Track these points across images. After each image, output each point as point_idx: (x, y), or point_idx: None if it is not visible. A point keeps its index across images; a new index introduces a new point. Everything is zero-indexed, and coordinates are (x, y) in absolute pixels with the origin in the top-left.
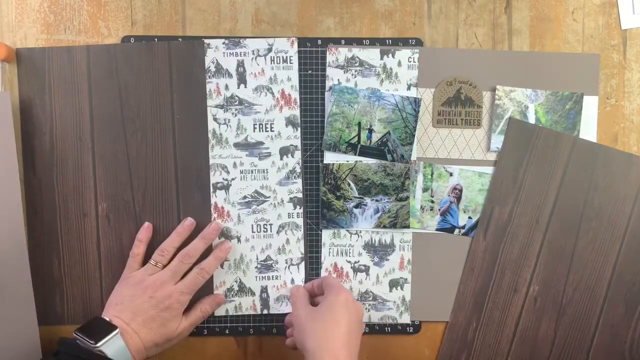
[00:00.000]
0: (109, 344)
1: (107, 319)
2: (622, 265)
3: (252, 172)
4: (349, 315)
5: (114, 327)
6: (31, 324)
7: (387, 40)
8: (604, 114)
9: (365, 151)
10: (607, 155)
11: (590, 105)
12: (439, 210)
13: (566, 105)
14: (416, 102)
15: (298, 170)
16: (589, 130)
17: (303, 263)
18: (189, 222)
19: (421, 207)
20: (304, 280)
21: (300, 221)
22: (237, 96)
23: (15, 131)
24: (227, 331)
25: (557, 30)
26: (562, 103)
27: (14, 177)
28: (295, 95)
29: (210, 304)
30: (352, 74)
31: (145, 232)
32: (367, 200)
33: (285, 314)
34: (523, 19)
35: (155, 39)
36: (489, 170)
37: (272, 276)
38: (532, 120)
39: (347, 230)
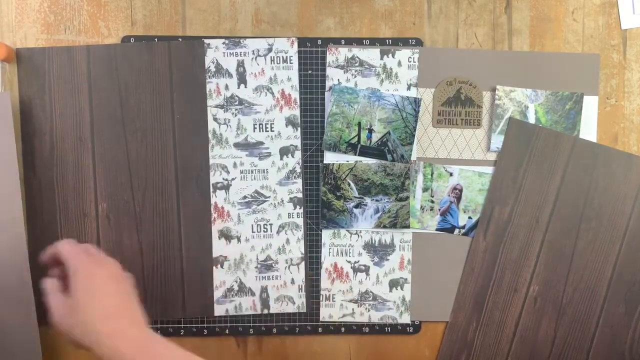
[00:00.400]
0: None
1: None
2: (622, 265)
3: (252, 172)
4: (102, 284)
5: None
6: (31, 324)
7: (387, 40)
8: (604, 114)
9: (365, 151)
10: (607, 155)
11: (590, 105)
12: (439, 210)
13: (566, 105)
14: (416, 102)
15: (298, 170)
16: (589, 130)
17: (303, 263)
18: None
19: (421, 207)
20: (304, 280)
21: (300, 221)
22: (237, 96)
23: (15, 131)
24: (227, 331)
25: (557, 30)
26: (562, 103)
27: (15, 177)
28: (295, 95)
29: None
30: (352, 74)
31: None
32: (367, 200)
33: (286, 314)
34: (523, 19)
35: (155, 39)
36: (489, 170)
37: (272, 276)
38: (532, 120)
39: (347, 230)
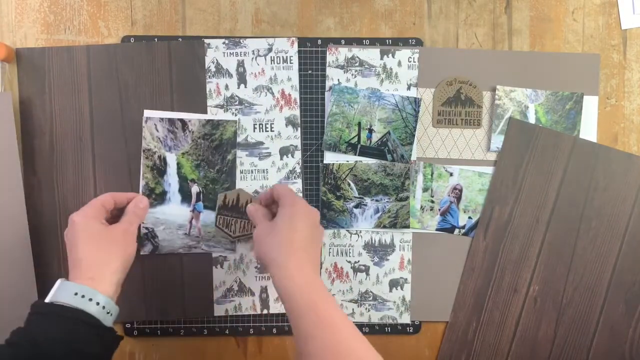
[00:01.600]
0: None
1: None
2: (622, 265)
3: (252, 172)
4: (305, 221)
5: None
6: None
7: (387, 40)
8: (604, 114)
9: (365, 151)
10: (607, 155)
11: (590, 105)
12: (439, 210)
13: (566, 105)
14: (416, 102)
15: (298, 170)
16: (589, 130)
17: None
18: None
19: (421, 207)
20: None
21: None
22: (237, 96)
23: (15, 131)
24: (227, 331)
25: (557, 30)
26: (562, 103)
27: (17, 177)
28: (295, 95)
29: (135, 204)
30: (352, 74)
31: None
32: (367, 200)
33: (286, 314)
34: (523, 19)
35: (155, 39)
36: (489, 170)
37: None
38: (532, 120)
39: (347, 230)
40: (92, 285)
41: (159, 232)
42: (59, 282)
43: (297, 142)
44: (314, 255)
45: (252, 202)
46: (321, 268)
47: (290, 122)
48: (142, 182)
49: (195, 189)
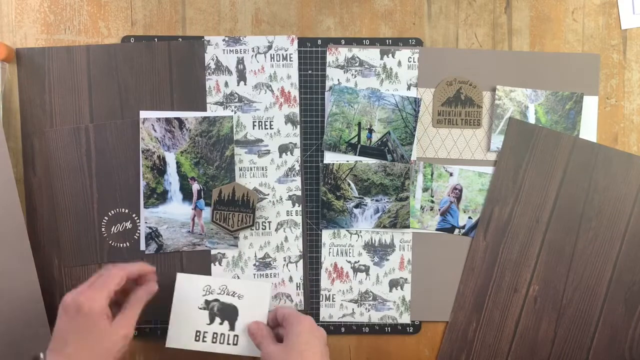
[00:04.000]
0: None
1: None
2: (622, 265)
3: (251, 169)
4: (316, 341)
5: None
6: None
7: (387, 40)
8: (604, 114)
9: (365, 151)
10: (607, 155)
11: (590, 105)
12: (439, 210)
13: (566, 105)
14: (416, 102)
15: (297, 167)
16: (589, 130)
17: (301, 261)
18: (149, 269)
19: (421, 207)
20: (302, 277)
21: (299, 219)
22: (236, 93)
23: (15, 131)
24: None
25: (557, 30)
26: (562, 103)
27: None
28: (295, 92)
29: (144, 289)
30: (352, 74)
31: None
32: (367, 200)
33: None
34: (523, 19)
35: (155, 39)
36: (489, 170)
37: (271, 274)
38: (532, 120)
39: (347, 230)
40: None
41: (162, 231)
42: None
43: (297, 140)
44: None
45: (255, 322)
46: (321, 268)
47: (289, 119)
48: (142, 183)
49: (196, 186)
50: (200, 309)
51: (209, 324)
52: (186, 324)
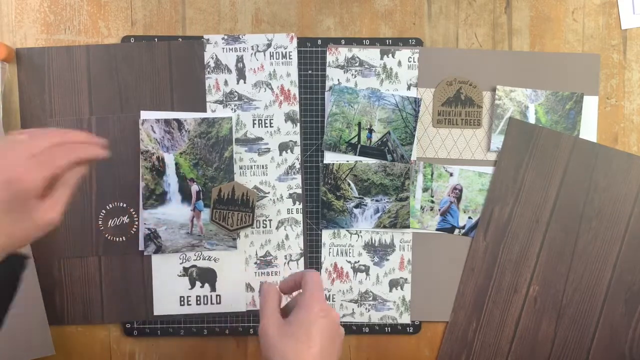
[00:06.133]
0: None
1: None
2: (622, 265)
3: (251, 167)
4: (322, 331)
5: None
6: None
7: (387, 40)
8: (604, 114)
9: (365, 151)
10: (607, 155)
11: (590, 105)
12: (439, 210)
13: (566, 105)
14: (416, 102)
15: (297, 166)
16: (589, 130)
17: (302, 259)
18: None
19: (421, 207)
20: None
21: (299, 217)
22: (236, 92)
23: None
24: (227, 331)
25: (557, 30)
26: (562, 103)
27: None
28: (295, 90)
29: (73, 172)
30: (352, 74)
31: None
32: (367, 200)
33: None
34: (523, 19)
35: (155, 39)
36: (489, 170)
37: (272, 272)
38: (532, 120)
39: (347, 230)
40: None
41: (161, 233)
42: None
43: (297, 138)
44: None
45: (269, 283)
46: (321, 268)
47: (289, 117)
48: (142, 184)
49: (195, 187)
50: (180, 276)
51: (190, 289)
52: (170, 292)
